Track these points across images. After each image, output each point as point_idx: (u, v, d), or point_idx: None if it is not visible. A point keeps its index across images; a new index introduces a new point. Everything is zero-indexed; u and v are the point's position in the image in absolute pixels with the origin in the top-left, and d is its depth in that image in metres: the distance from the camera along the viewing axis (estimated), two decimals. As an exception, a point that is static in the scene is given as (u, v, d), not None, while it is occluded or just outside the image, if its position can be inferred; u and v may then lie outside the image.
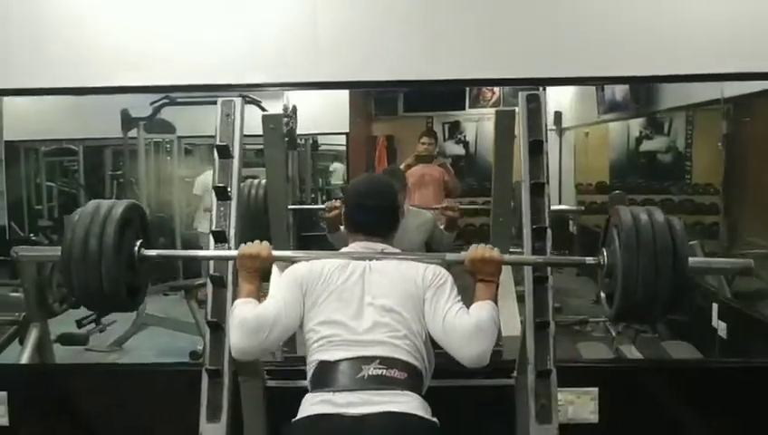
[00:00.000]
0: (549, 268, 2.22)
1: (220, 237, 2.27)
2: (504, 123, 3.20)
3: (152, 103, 6.31)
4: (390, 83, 2.86)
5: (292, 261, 2.12)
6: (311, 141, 8.32)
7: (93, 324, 4.75)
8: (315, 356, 1.96)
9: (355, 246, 2.12)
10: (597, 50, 2.66)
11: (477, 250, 2.02)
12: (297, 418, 1.90)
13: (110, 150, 7.42)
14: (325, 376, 1.91)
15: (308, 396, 1.93)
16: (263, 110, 6.84)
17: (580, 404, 2.79)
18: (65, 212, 6.77)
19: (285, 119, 7.05)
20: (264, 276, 2.12)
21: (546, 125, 2.35)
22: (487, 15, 2.68)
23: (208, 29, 2.77)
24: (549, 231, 2.24)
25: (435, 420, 1.91)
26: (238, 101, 2.45)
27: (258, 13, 2.75)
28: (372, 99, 9.06)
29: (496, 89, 8.86)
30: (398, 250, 2.14)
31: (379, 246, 2.10)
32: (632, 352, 4.03)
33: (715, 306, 3.79)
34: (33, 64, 2.78)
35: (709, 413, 2.76)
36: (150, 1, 2.79)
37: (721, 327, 3.70)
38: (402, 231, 3.20)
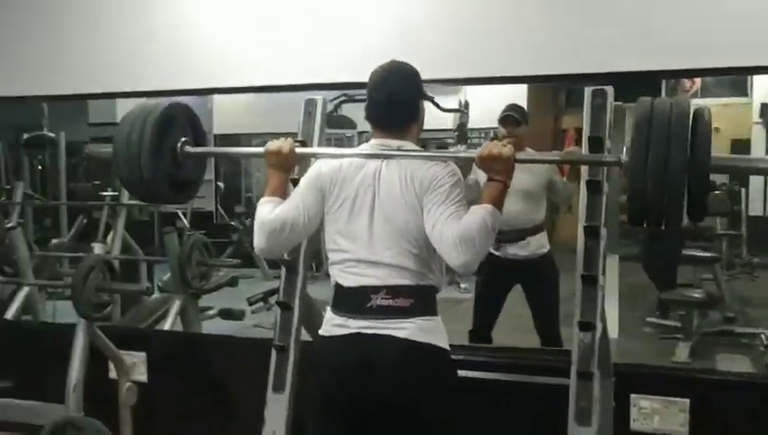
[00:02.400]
0: (600, 270, 2.16)
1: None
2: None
3: (332, 100, 6.73)
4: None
5: (314, 157, 2.21)
6: (491, 135, 8.38)
7: (261, 303, 5.20)
8: (334, 277, 2.11)
9: (373, 143, 2.12)
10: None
11: (488, 146, 1.97)
12: (322, 335, 2.11)
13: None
14: (342, 300, 2.08)
15: (329, 315, 2.11)
16: (435, 105, 7.07)
17: (668, 414, 2.65)
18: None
19: (458, 113, 7.29)
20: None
21: (610, 122, 2.27)
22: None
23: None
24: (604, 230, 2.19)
25: (433, 343, 2.01)
26: (320, 99, 2.60)
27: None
28: (563, 92, 8.87)
29: (697, 79, 8.28)
30: (415, 147, 2.11)
31: (395, 143, 2.07)
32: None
33: None
34: (172, 67, 3.21)
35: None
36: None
37: None
38: (522, 173, 3.23)
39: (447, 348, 2.05)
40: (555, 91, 8.83)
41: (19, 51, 3.45)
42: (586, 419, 2.10)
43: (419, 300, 2.03)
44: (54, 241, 4.76)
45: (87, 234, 5.23)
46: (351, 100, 6.84)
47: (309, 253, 2.49)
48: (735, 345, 4.39)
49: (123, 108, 6.44)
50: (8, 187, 5.38)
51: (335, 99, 6.69)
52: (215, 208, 8.12)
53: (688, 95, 8.40)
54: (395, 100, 2.09)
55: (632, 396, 2.67)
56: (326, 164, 2.14)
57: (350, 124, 7.39)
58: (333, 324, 2.09)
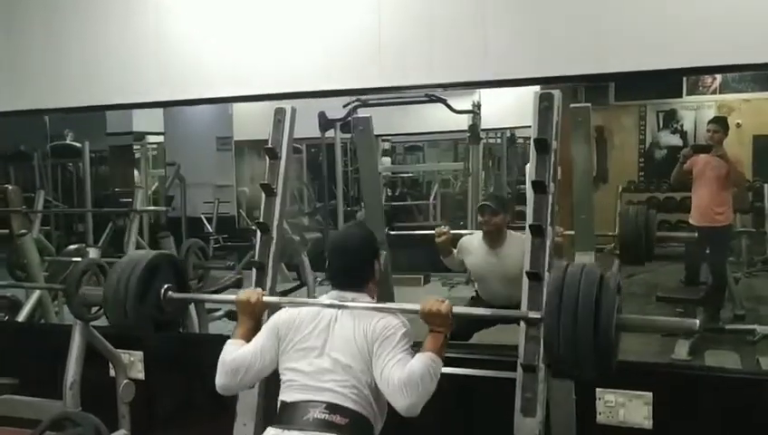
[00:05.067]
0: (547, 262, 2.24)
1: (263, 228, 2.62)
2: (580, 119, 3.14)
3: (345, 106, 6.85)
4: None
5: (279, 306, 2.38)
6: (507, 135, 8.43)
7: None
8: (280, 396, 2.23)
9: (332, 294, 2.30)
10: None
11: (427, 302, 2.15)
12: None
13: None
14: (282, 414, 2.19)
15: (269, 429, 2.18)
16: (448, 107, 7.16)
17: (632, 408, 2.71)
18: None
19: (471, 114, 7.35)
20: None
21: (558, 124, 2.34)
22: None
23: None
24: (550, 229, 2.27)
25: None
26: (289, 107, 2.72)
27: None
28: (582, 89, 8.86)
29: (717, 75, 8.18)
30: (368, 299, 2.30)
31: (350, 295, 2.26)
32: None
33: None
34: (192, 79, 3.36)
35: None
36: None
37: None
38: (505, 258, 3.34)
39: None
40: (574, 91, 8.81)
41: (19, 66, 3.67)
42: (531, 410, 2.18)
43: (355, 425, 2.13)
44: (71, 247, 4.96)
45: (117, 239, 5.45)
46: (365, 104, 6.95)
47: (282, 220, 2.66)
48: (739, 343, 4.38)
49: (139, 118, 6.67)
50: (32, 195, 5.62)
51: (348, 104, 6.81)
52: (236, 213, 8.31)
53: (709, 91, 8.34)
54: (352, 268, 2.32)
55: (598, 390, 2.75)
56: (285, 312, 2.32)
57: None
58: None
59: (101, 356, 3.32)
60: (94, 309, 3.03)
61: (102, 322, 3.31)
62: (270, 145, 2.69)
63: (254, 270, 2.64)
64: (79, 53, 3.56)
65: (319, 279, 5.72)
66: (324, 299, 2.31)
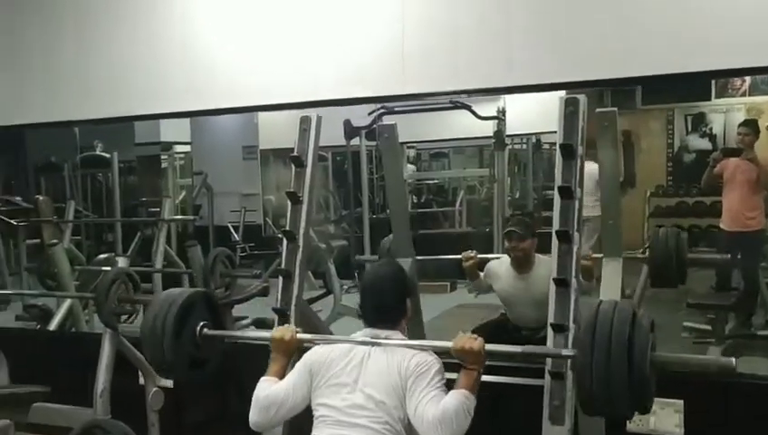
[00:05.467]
0: (574, 273, 2.22)
1: (290, 236, 2.63)
2: (606, 124, 3.11)
3: (370, 113, 6.87)
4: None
5: (313, 343, 2.39)
6: (532, 141, 8.40)
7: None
8: (313, 432, 2.26)
9: (364, 332, 2.34)
10: None
11: (460, 339, 2.15)
12: None
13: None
14: None
15: None
16: (473, 113, 7.15)
17: (663, 416, 2.67)
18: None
19: (495, 120, 7.32)
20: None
21: (583, 129, 2.32)
22: None
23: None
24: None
25: None
26: (314, 116, 2.73)
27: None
28: (609, 93, 8.79)
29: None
30: (401, 336, 2.32)
31: (384, 333, 2.29)
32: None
33: None
34: (218, 89, 3.40)
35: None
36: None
37: None
38: (534, 282, 3.31)
39: None
40: (600, 95, 8.74)
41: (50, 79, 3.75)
42: (560, 418, 2.16)
43: None
44: (100, 256, 5.04)
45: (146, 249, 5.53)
46: (391, 112, 6.97)
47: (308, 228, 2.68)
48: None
49: (166, 128, 6.76)
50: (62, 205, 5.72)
51: (373, 111, 6.82)
52: (263, 221, 8.37)
53: (738, 93, 8.23)
54: (384, 306, 2.36)
55: (627, 398, 2.70)
56: (319, 349, 2.34)
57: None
58: None
59: (131, 364, 3.36)
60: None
61: (132, 330, 3.37)
62: (296, 153, 2.71)
63: (280, 278, 2.65)
64: (107, 65, 3.62)
65: (345, 287, 5.74)
66: (357, 336, 2.33)
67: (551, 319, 2.21)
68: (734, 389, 2.69)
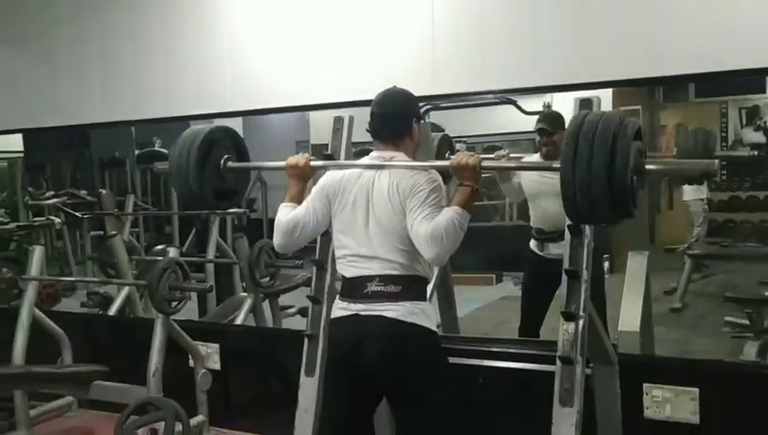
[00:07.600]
0: (584, 265, 2.34)
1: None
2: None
3: (416, 110, 6.98)
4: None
5: (325, 169, 2.60)
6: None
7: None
8: (339, 270, 2.54)
9: (372, 155, 2.50)
10: None
11: (458, 156, 2.30)
12: (332, 318, 2.54)
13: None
14: (345, 289, 2.51)
15: (337, 302, 2.53)
16: (519, 108, 7.19)
17: (679, 403, 2.76)
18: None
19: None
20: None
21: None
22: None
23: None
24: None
25: (419, 323, 2.37)
26: (347, 116, 2.90)
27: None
28: (659, 88, 8.69)
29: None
30: (406, 158, 2.46)
31: (389, 154, 2.45)
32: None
33: None
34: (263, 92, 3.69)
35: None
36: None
37: None
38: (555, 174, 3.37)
39: (434, 329, 2.43)
40: (651, 89, 8.66)
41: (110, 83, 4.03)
42: (569, 400, 2.28)
43: (408, 288, 2.40)
44: (157, 247, 5.31)
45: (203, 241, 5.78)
46: (437, 108, 7.09)
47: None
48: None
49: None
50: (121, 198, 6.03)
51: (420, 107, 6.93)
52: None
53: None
54: (392, 115, 2.50)
55: (645, 385, 2.82)
56: (332, 175, 2.56)
57: (438, 130, 7.65)
58: (339, 307, 2.53)
59: (181, 348, 3.61)
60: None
61: (182, 316, 3.62)
62: (329, 151, 2.88)
63: (314, 268, 2.83)
64: (161, 71, 3.93)
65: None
66: (365, 160, 2.52)
67: (562, 308, 2.34)
68: (749, 377, 2.77)
